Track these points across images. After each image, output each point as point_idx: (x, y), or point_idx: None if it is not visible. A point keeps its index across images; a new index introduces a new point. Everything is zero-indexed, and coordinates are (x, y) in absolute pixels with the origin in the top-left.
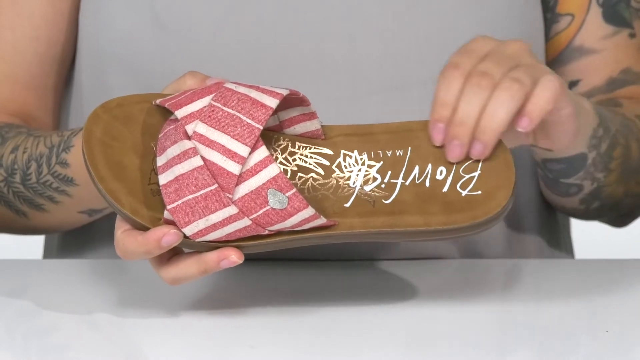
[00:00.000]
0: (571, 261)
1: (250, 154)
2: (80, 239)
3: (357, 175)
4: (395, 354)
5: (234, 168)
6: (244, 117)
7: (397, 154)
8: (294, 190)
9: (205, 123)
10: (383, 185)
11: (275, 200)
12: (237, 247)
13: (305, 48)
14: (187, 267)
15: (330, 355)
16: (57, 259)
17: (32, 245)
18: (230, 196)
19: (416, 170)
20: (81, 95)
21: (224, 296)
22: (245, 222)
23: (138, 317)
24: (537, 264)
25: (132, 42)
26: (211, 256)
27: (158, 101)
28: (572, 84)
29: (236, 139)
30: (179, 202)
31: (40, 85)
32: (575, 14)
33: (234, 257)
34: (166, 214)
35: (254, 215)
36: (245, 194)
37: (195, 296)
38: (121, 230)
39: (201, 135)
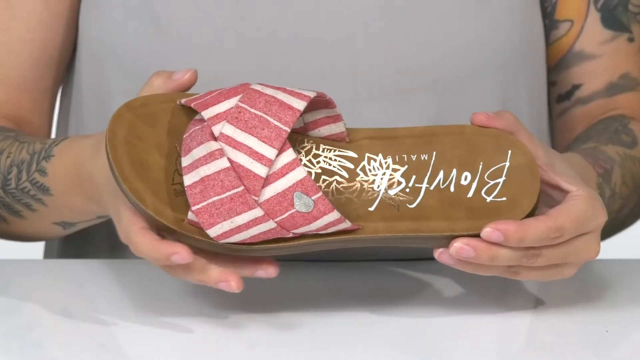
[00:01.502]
0: None
1: (277, 156)
2: (80, 239)
3: (382, 179)
4: (395, 354)
5: (260, 170)
6: (271, 119)
7: (422, 158)
8: (320, 193)
9: (232, 124)
10: (407, 190)
11: (301, 204)
12: (261, 250)
13: (306, 53)
14: (189, 270)
15: (330, 355)
16: (57, 259)
17: (32, 246)
18: (256, 198)
19: (441, 175)
20: (81, 99)
21: (224, 296)
22: (270, 224)
23: (137, 317)
24: None
25: (133, 47)
26: (214, 273)
27: (183, 101)
28: (575, 88)
29: (263, 141)
30: (204, 203)
31: (35, 88)
32: (574, 20)
33: (233, 284)
34: (190, 215)
35: (279, 218)
36: (271, 197)
37: (195, 296)
38: (137, 227)
39: (228, 136)
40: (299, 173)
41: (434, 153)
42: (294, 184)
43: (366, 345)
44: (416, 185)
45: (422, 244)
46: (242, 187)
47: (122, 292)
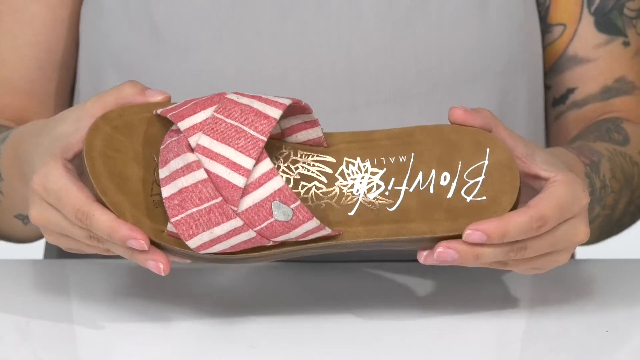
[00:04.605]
0: (571, 261)
1: (254, 166)
2: None
3: (361, 182)
4: (395, 355)
5: (238, 181)
6: (247, 129)
7: (400, 160)
8: (299, 202)
9: (209, 135)
10: (387, 193)
11: (280, 213)
12: (242, 259)
13: (304, 59)
14: (118, 248)
15: (330, 355)
16: (57, 259)
17: (32, 246)
18: (235, 209)
19: (420, 176)
20: (79, 102)
21: (224, 296)
22: (250, 234)
23: (137, 317)
24: None
25: (131, 53)
26: (142, 256)
27: (159, 111)
28: (569, 92)
29: (240, 151)
30: (183, 215)
31: (40, 91)
32: (566, 24)
33: (161, 265)
34: (170, 227)
35: (259, 227)
36: (250, 207)
37: (195, 296)
38: (92, 199)
39: (204, 147)
40: (276, 183)
41: (412, 154)
42: (272, 193)
43: (366, 346)
44: (395, 187)
45: (404, 247)
46: (220, 198)
47: (121, 292)
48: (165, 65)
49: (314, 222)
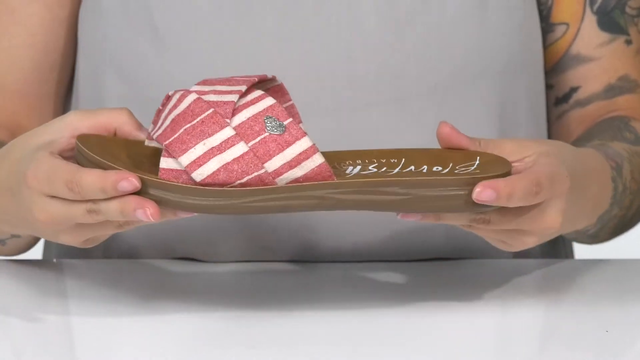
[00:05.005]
0: (571, 261)
1: (246, 91)
2: None
3: (353, 170)
4: (394, 354)
5: (230, 97)
6: (231, 86)
7: (392, 161)
8: (291, 119)
9: (199, 85)
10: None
11: (273, 126)
12: (239, 193)
13: (305, 60)
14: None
15: (329, 355)
16: (56, 259)
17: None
18: (228, 121)
19: (412, 167)
20: (77, 104)
21: (224, 296)
22: (242, 147)
23: (136, 317)
24: (537, 264)
25: (130, 54)
26: (130, 201)
27: (154, 137)
28: (573, 91)
29: (232, 87)
30: (176, 135)
31: (35, 93)
32: (569, 23)
33: (149, 211)
34: (162, 163)
35: (252, 142)
36: (243, 121)
37: (195, 296)
38: (85, 170)
39: (198, 90)
40: (269, 100)
41: (403, 159)
42: (264, 108)
43: (366, 346)
44: (388, 171)
45: (405, 205)
46: (212, 110)
47: (121, 292)
48: (164, 66)
49: (307, 141)
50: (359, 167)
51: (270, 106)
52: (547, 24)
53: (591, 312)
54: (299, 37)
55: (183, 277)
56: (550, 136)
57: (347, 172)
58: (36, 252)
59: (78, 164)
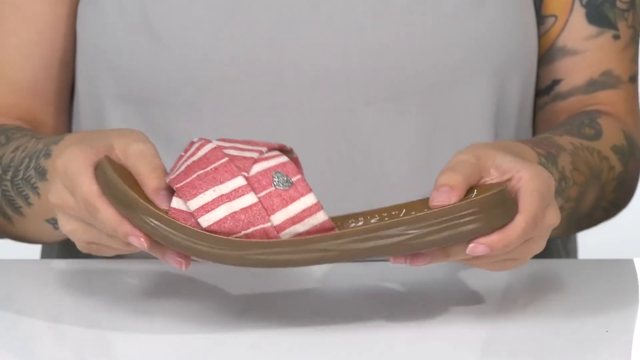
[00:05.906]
0: (571, 261)
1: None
2: None
3: (355, 224)
4: (395, 354)
5: (251, 155)
6: (252, 146)
7: (393, 213)
8: (300, 176)
9: (221, 141)
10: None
11: (280, 181)
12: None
13: (301, 59)
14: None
15: (329, 355)
16: (55, 259)
17: (31, 245)
18: (245, 174)
19: (413, 213)
20: (77, 101)
21: (224, 296)
22: (252, 198)
23: (136, 318)
24: (537, 264)
25: (126, 52)
26: (125, 227)
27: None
28: (555, 83)
29: (252, 147)
30: (188, 179)
31: (45, 89)
32: (558, 15)
33: (142, 239)
34: (174, 202)
35: (260, 195)
36: (254, 174)
37: (196, 296)
38: (99, 193)
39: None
40: (282, 159)
41: (404, 210)
42: (276, 164)
43: (366, 345)
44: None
45: (405, 247)
46: (226, 159)
47: (120, 292)
48: (160, 64)
49: (311, 197)
50: (361, 222)
51: (283, 164)
52: (538, 16)
53: (591, 312)
54: (296, 37)
55: (183, 277)
56: (534, 128)
57: (351, 226)
58: (35, 252)
59: (95, 178)
